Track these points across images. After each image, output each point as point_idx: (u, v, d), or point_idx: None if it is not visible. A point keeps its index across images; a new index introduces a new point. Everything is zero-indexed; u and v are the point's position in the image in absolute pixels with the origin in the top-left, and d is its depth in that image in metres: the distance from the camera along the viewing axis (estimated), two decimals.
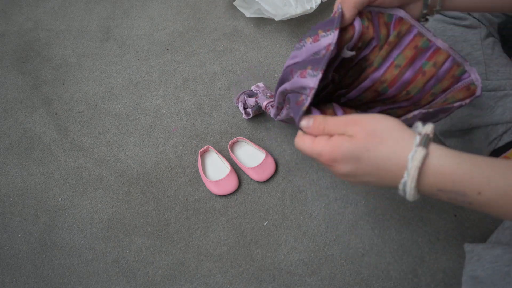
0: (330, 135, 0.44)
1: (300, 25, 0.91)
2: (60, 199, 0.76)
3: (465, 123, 0.69)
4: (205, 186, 0.75)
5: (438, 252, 0.68)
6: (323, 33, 0.50)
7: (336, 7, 0.52)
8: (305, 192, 0.73)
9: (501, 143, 0.66)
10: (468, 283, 0.52)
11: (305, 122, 0.47)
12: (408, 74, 0.52)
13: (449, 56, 0.51)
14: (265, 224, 0.71)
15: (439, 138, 0.76)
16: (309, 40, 0.52)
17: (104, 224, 0.73)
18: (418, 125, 0.40)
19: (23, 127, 0.84)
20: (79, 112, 0.85)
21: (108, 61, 0.91)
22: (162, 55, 0.90)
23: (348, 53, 0.53)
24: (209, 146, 0.78)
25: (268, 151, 0.77)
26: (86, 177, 0.78)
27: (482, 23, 0.71)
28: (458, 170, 0.38)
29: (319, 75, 0.47)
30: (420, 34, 0.52)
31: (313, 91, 0.47)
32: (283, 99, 0.56)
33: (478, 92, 0.49)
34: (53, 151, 0.81)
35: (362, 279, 0.66)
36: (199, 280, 0.68)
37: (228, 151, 0.78)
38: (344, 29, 0.52)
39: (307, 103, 0.47)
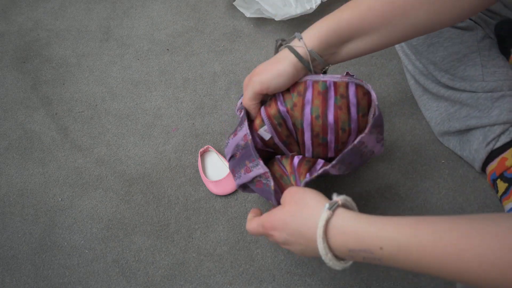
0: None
1: (300, 25, 0.91)
2: (60, 199, 0.76)
3: (462, 124, 0.69)
4: (205, 186, 0.75)
5: None
6: (239, 127, 0.59)
7: (238, 107, 0.61)
8: None
9: (499, 144, 0.66)
10: (461, 285, 0.52)
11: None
12: (330, 117, 0.55)
13: (347, 83, 0.54)
14: None
15: (438, 140, 0.76)
16: (229, 136, 0.62)
17: (104, 224, 0.73)
18: (334, 195, 0.46)
19: (23, 127, 0.84)
20: (79, 112, 0.85)
21: (108, 61, 0.91)
22: (162, 55, 0.90)
23: (265, 134, 0.59)
24: (209, 146, 0.77)
25: None
26: (86, 177, 0.78)
27: (478, 24, 0.71)
28: (359, 228, 0.43)
29: (260, 162, 0.55)
30: (315, 82, 0.55)
31: (268, 173, 0.55)
32: (243, 187, 0.63)
33: (376, 112, 0.54)
34: (53, 151, 0.81)
35: (362, 279, 0.66)
36: (199, 280, 0.68)
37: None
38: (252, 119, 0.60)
39: (272, 185, 0.55)
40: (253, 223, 0.53)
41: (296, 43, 0.55)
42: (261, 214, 0.55)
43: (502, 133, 0.66)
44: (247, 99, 0.57)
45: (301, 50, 0.54)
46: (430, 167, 0.74)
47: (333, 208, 0.44)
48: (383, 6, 0.52)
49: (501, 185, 0.66)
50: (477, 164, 0.69)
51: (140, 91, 0.86)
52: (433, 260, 0.39)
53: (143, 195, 0.75)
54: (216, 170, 0.77)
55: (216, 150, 0.77)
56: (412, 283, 0.66)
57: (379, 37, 0.54)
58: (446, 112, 0.72)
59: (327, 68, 0.58)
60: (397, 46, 0.81)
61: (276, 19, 0.85)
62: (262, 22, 0.92)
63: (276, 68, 0.54)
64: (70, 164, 0.79)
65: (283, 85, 0.55)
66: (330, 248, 0.44)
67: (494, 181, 0.68)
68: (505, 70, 0.68)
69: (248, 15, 0.88)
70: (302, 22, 0.91)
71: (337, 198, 0.45)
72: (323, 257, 0.45)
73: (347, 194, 0.72)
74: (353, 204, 0.47)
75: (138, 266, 0.70)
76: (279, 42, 0.58)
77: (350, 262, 0.46)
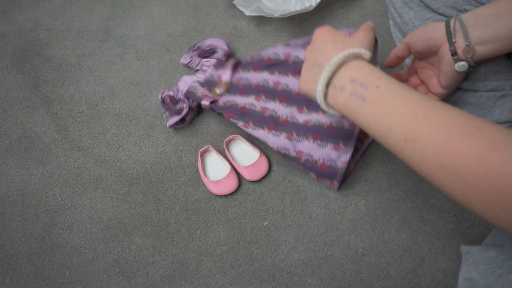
0: None
1: (300, 25, 0.91)
2: (60, 199, 0.76)
3: None
4: (205, 186, 0.75)
5: (438, 252, 0.68)
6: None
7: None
8: (305, 192, 0.73)
9: None
10: (463, 285, 0.52)
11: None
12: None
13: None
14: (265, 224, 0.71)
15: None
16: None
17: (104, 224, 0.73)
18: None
19: (23, 127, 0.84)
20: (79, 112, 0.85)
21: (108, 61, 0.91)
22: (162, 55, 0.90)
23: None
24: (209, 146, 0.77)
25: (263, 151, 0.77)
26: (86, 177, 0.78)
27: None
28: (370, 67, 0.48)
29: (350, 152, 0.68)
30: None
31: (346, 163, 0.68)
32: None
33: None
34: (53, 151, 0.81)
35: (362, 279, 0.66)
36: (199, 280, 0.68)
37: (223, 148, 0.78)
38: None
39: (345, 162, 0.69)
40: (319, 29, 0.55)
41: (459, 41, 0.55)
42: None
43: None
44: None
45: (452, 22, 0.55)
46: None
47: (364, 51, 0.49)
48: None
49: None
50: None
51: (140, 91, 0.86)
52: (403, 116, 0.43)
53: (143, 195, 0.75)
54: (216, 170, 0.77)
55: (216, 150, 0.77)
56: (412, 283, 0.66)
57: None
58: None
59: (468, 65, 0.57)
60: (398, 44, 0.81)
61: (275, 15, 0.85)
62: (262, 22, 0.92)
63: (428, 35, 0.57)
64: (70, 164, 0.79)
65: (422, 35, 0.57)
66: (334, 72, 0.49)
67: None
68: (507, 69, 0.68)
69: (247, 13, 0.88)
70: (302, 22, 0.91)
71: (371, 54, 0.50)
72: (326, 67, 0.49)
73: (346, 192, 0.73)
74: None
75: (138, 266, 0.70)
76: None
77: (331, 109, 0.51)
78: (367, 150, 0.76)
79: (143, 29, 0.94)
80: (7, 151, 0.81)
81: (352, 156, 0.72)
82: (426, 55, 0.59)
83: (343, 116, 0.52)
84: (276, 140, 0.72)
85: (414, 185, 0.73)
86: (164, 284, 0.68)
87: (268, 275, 0.67)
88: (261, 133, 0.73)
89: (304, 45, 0.77)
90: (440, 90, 0.61)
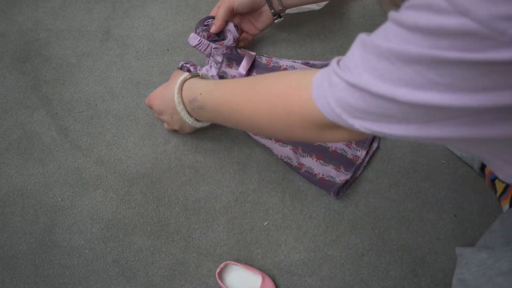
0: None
1: (300, 25, 0.91)
2: (60, 199, 0.76)
3: None
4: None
5: (438, 252, 0.68)
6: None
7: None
8: (305, 192, 0.73)
9: None
10: (457, 286, 0.53)
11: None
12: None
13: None
14: (265, 224, 0.71)
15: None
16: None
17: (104, 224, 0.73)
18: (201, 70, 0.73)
19: (23, 127, 0.84)
20: (79, 112, 0.85)
21: (108, 61, 0.91)
22: (162, 55, 0.90)
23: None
24: (228, 261, 0.68)
25: (264, 271, 0.68)
26: (86, 177, 0.78)
27: None
28: (196, 83, 0.63)
29: (349, 175, 0.72)
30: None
31: (345, 181, 0.73)
32: None
33: None
34: (53, 151, 0.81)
35: (362, 279, 0.66)
36: (199, 280, 0.68)
37: (216, 280, 0.67)
38: None
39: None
40: (146, 99, 0.73)
41: None
42: None
43: None
44: (220, 15, 0.76)
45: None
46: (430, 167, 0.74)
47: (192, 75, 0.65)
48: None
49: (499, 185, 0.66)
50: (476, 165, 0.70)
51: (140, 91, 0.86)
52: (223, 101, 0.57)
53: (143, 195, 0.75)
54: (246, 285, 0.67)
55: (239, 262, 0.68)
56: (412, 283, 0.66)
57: None
58: None
59: (281, 16, 0.77)
60: None
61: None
62: None
63: None
64: (70, 164, 0.79)
65: (245, 3, 0.74)
66: (183, 102, 0.63)
67: (492, 181, 0.68)
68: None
69: None
70: (302, 22, 0.91)
71: (200, 71, 0.68)
72: (178, 108, 0.64)
73: (347, 194, 0.73)
74: (209, 77, 0.70)
75: (138, 266, 0.70)
76: None
77: (205, 123, 0.68)
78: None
79: (143, 29, 0.94)
80: (7, 151, 0.81)
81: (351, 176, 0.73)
82: (247, 11, 0.76)
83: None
84: (282, 149, 0.73)
85: (414, 185, 0.73)
86: (164, 284, 0.68)
87: (268, 275, 0.67)
88: (267, 142, 0.74)
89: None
90: (257, 32, 0.81)
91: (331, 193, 0.71)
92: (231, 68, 0.79)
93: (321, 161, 0.73)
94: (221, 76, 0.79)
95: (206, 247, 0.70)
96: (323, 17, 0.91)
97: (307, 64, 0.80)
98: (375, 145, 0.75)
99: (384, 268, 0.67)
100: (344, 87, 0.38)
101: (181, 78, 0.64)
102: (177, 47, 0.91)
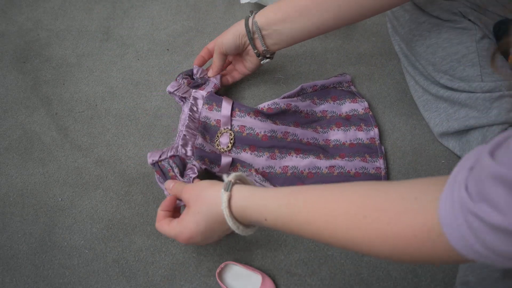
0: (175, 217, 0.61)
1: None
2: (60, 199, 0.76)
3: (461, 124, 0.69)
4: None
5: None
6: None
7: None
8: None
9: None
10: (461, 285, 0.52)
11: (169, 184, 0.65)
12: None
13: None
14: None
15: (438, 141, 0.76)
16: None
17: (104, 224, 0.73)
18: (224, 176, 0.53)
19: (23, 127, 0.84)
20: (79, 112, 0.85)
21: (108, 61, 0.91)
22: (162, 55, 0.90)
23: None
24: (228, 262, 0.68)
25: (264, 271, 0.68)
26: (86, 177, 0.78)
27: (477, 25, 0.71)
28: (249, 204, 0.50)
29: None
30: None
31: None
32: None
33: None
34: (53, 151, 0.81)
35: (362, 279, 0.66)
36: (199, 280, 0.68)
37: (216, 280, 0.67)
38: None
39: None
40: (165, 227, 0.59)
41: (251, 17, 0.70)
42: (171, 207, 0.63)
43: (501, 133, 0.66)
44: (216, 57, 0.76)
45: (250, 22, 0.70)
46: (430, 167, 0.74)
47: (229, 188, 0.51)
48: None
49: None
50: None
51: (140, 91, 0.86)
52: (304, 222, 0.46)
53: (143, 195, 0.75)
54: (245, 285, 0.67)
55: (239, 262, 0.68)
56: (412, 283, 0.66)
57: (312, 19, 0.67)
58: (445, 113, 0.72)
59: (268, 57, 0.75)
60: (396, 47, 0.81)
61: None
62: None
63: (229, 32, 0.72)
64: (70, 164, 0.79)
65: (232, 43, 0.72)
66: (239, 222, 0.52)
67: None
68: (503, 70, 0.68)
69: (242, 1, 0.86)
70: None
71: (229, 178, 0.53)
72: (238, 232, 0.52)
73: None
74: (246, 178, 0.55)
75: (138, 266, 0.70)
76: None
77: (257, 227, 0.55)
78: None
79: (143, 29, 0.94)
80: (7, 151, 0.81)
81: None
82: (236, 53, 0.76)
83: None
84: (305, 162, 0.72)
85: None
86: (164, 284, 0.68)
87: (268, 275, 0.67)
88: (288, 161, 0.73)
89: (298, 94, 0.79)
90: (246, 71, 0.79)
91: (378, 162, 0.72)
92: (211, 111, 0.74)
93: (347, 158, 0.72)
94: (204, 122, 0.73)
95: (206, 247, 0.70)
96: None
97: (284, 98, 0.77)
98: (383, 149, 0.76)
99: (384, 268, 0.67)
100: (489, 231, 0.32)
101: (225, 197, 0.50)
102: (177, 47, 0.91)
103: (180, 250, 0.70)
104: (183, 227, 0.56)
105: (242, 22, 0.71)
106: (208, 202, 0.53)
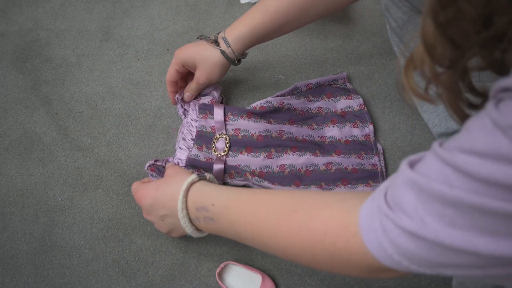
0: None
1: None
2: (60, 199, 0.76)
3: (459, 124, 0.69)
4: None
5: None
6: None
7: None
8: None
9: None
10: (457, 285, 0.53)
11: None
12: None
13: None
14: None
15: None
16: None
17: (104, 224, 0.73)
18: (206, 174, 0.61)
19: (23, 127, 0.84)
20: (79, 112, 0.85)
21: (108, 61, 0.91)
22: (162, 55, 0.90)
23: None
24: (228, 261, 0.68)
25: (265, 271, 0.68)
26: (86, 177, 0.78)
27: None
28: (203, 189, 0.55)
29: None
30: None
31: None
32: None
33: None
34: (53, 151, 0.81)
35: (362, 279, 0.66)
36: (199, 280, 0.68)
37: (216, 280, 0.67)
38: None
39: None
40: (135, 184, 0.65)
41: (223, 47, 0.68)
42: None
43: None
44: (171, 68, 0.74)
45: (230, 55, 0.69)
46: None
47: (200, 178, 0.57)
48: (288, 8, 0.63)
49: None
50: None
51: (140, 91, 0.86)
52: (241, 219, 0.49)
53: None
54: (245, 285, 0.66)
55: (239, 262, 0.68)
56: (412, 283, 0.66)
57: (289, 29, 0.69)
58: (444, 114, 0.72)
59: (241, 59, 0.73)
60: (395, 47, 0.81)
61: None
62: None
63: (210, 61, 0.70)
64: (70, 164, 0.79)
65: (218, 75, 0.72)
66: (187, 208, 0.54)
67: None
68: None
69: (242, 1, 0.86)
70: None
71: (207, 174, 0.59)
72: (179, 214, 0.54)
73: None
74: (216, 182, 0.60)
75: (138, 266, 0.70)
76: (206, 38, 0.70)
77: (205, 233, 0.57)
78: None
79: (143, 29, 0.94)
80: (7, 151, 0.81)
81: None
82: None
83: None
84: (302, 159, 0.72)
85: None
86: (164, 284, 0.68)
87: (268, 275, 0.67)
88: (289, 189, 0.72)
89: (292, 93, 0.78)
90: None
91: (373, 159, 0.72)
92: (206, 119, 0.74)
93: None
94: (200, 130, 0.74)
95: (206, 247, 0.70)
96: (323, 18, 0.91)
97: (276, 97, 0.77)
98: (379, 146, 0.76)
99: None
100: (400, 233, 0.33)
101: (189, 179, 0.55)
102: (177, 47, 0.91)
103: (180, 250, 0.70)
104: (145, 186, 0.61)
105: (213, 53, 0.69)
106: (174, 182, 0.57)
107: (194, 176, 0.56)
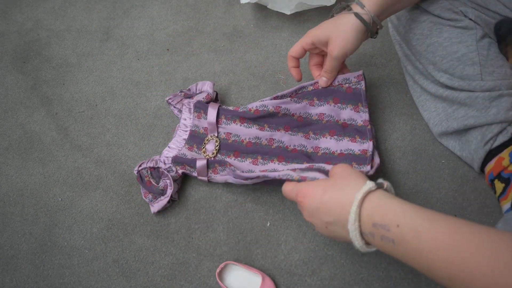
0: None
1: (301, 24, 0.91)
2: (60, 199, 0.76)
3: (460, 123, 0.69)
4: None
5: None
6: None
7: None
8: None
9: (497, 143, 0.67)
10: None
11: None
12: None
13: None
14: (268, 225, 0.71)
15: (438, 141, 0.76)
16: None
17: (104, 224, 0.73)
18: (379, 179, 0.50)
19: (23, 127, 0.84)
20: (79, 112, 0.85)
21: (108, 61, 0.91)
22: (162, 55, 0.90)
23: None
24: (228, 261, 0.68)
25: (264, 272, 0.68)
26: (86, 177, 0.78)
27: (478, 24, 0.71)
28: (387, 204, 0.46)
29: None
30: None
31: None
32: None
33: None
34: (53, 151, 0.81)
35: (362, 279, 0.66)
36: (199, 280, 0.68)
37: (216, 280, 0.67)
38: None
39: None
40: (290, 185, 0.57)
41: (358, 9, 0.64)
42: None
43: (500, 132, 0.66)
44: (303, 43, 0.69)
45: (365, 17, 0.64)
46: (430, 167, 0.74)
47: (378, 186, 0.48)
48: None
49: (499, 186, 0.66)
50: (476, 164, 0.70)
51: (140, 91, 0.86)
52: (437, 253, 0.41)
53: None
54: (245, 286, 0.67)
55: (236, 261, 0.68)
56: (412, 283, 0.66)
57: None
58: (444, 113, 0.72)
59: (378, 30, 0.68)
60: (396, 46, 0.81)
61: (287, 13, 0.84)
62: (263, 22, 0.92)
63: (343, 27, 0.64)
64: (70, 164, 0.79)
65: (354, 42, 0.65)
66: (359, 220, 0.46)
67: (492, 182, 0.68)
68: (503, 70, 0.68)
69: (242, 1, 0.86)
70: (302, 21, 0.91)
71: (384, 182, 0.49)
72: (350, 226, 0.47)
73: None
74: (393, 191, 0.51)
75: (138, 266, 0.70)
76: (338, 9, 0.67)
77: (373, 249, 0.49)
78: None
79: (143, 29, 0.94)
80: (7, 151, 0.81)
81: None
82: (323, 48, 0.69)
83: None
84: (294, 138, 0.73)
85: (414, 185, 0.73)
86: (164, 284, 0.68)
87: (268, 275, 0.67)
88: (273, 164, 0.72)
89: (291, 96, 0.74)
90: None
91: (365, 168, 0.65)
92: (200, 119, 0.75)
93: (336, 137, 0.70)
94: (193, 130, 0.75)
95: (206, 247, 0.70)
96: (324, 17, 0.91)
97: (276, 98, 0.73)
98: (377, 159, 0.69)
99: (384, 268, 0.67)
100: None
101: (365, 187, 0.47)
102: (177, 47, 0.91)
103: (180, 250, 0.70)
104: (308, 185, 0.53)
105: (348, 20, 0.64)
106: (347, 185, 0.49)
107: (371, 184, 0.47)
